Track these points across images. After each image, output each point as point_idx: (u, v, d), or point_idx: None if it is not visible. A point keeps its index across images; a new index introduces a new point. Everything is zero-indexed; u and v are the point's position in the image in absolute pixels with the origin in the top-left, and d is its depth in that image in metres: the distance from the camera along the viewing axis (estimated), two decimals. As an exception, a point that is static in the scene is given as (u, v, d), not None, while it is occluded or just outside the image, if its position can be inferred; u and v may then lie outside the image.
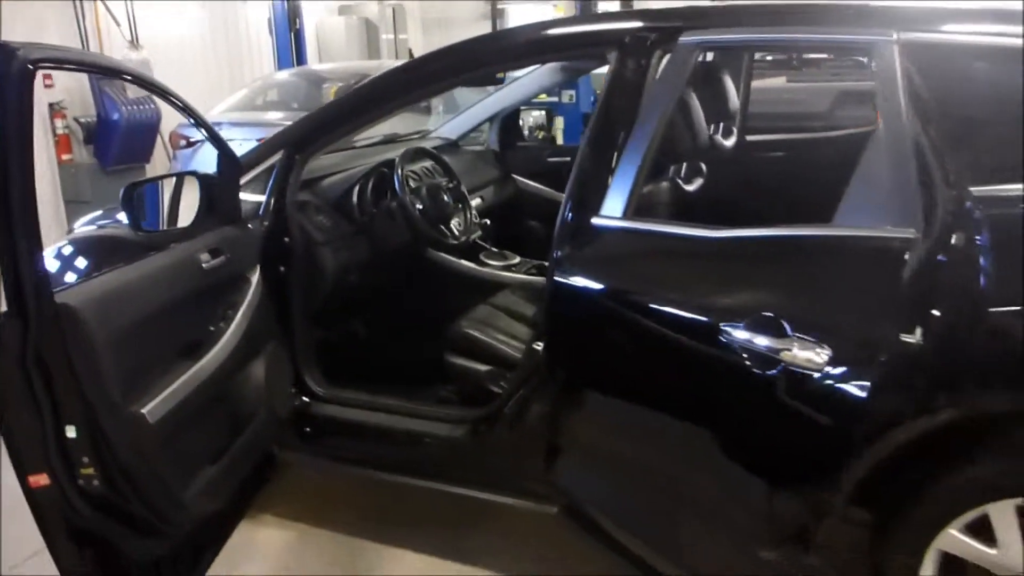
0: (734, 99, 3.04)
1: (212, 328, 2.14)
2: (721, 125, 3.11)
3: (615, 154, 2.08)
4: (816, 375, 1.67)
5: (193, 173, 2.34)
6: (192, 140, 6.56)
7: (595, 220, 2.08)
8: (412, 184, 2.96)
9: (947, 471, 1.88)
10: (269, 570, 2.69)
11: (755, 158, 3.21)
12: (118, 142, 7.54)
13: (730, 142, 3.14)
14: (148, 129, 7.76)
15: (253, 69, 9.64)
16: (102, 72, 2.07)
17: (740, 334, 1.72)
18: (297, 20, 9.02)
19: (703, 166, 2.60)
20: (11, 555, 2.58)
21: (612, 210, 2.05)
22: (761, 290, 1.79)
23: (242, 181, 2.56)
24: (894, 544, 1.97)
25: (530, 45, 2.40)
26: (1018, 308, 1.74)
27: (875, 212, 1.63)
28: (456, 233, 3.01)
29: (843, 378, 1.68)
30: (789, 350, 1.66)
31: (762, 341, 1.68)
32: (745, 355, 1.73)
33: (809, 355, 1.65)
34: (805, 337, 1.66)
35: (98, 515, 1.77)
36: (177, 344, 2.01)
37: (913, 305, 1.65)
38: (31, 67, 1.48)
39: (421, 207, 2.86)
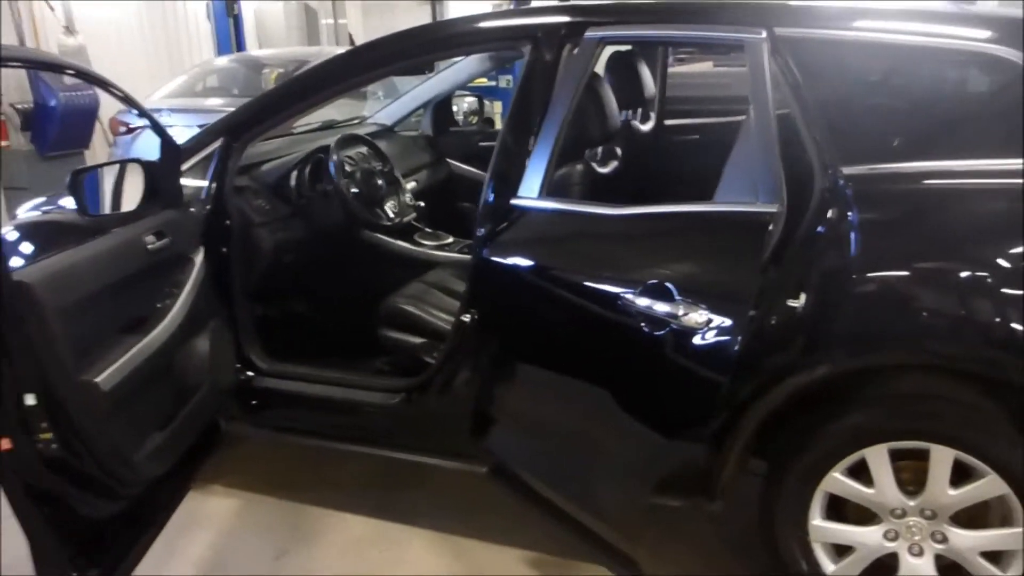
0: (650, 86, 3.25)
1: (159, 305, 2.29)
2: (639, 111, 3.33)
3: (531, 138, 2.27)
4: (698, 335, 1.90)
5: (136, 160, 2.47)
6: (132, 127, 6.57)
7: (514, 200, 2.27)
8: (347, 168, 3.12)
9: (828, 421, 2.13)
10: (218, 536, 2.84)
11: (670, 141, 3.44)
12: (56, 128, 7.49)
13: (647, 127, 3.36)
14: (87, 115, 7.71)
15: (192, 55, 9.60)
16: (47, 68, 2.17)
17: (636, 300, 1.94)
18: (235, 5, 9.00)
19: (617, 150, 2.81)
20: None
21: (529, 191, 2.25)
22: (652, 261, 2.01)
23: (183, 167, 2.70)
24: (786, 489, 2.21)
25: (455, 38, 2.59)
26: (883, 274, 2.00)
27: (745, 190, 1.86)
28: (390, 215, 3.17)
29: (720, 337, 1.90)
30: (675, 313, 1.88)
31: (654, 306, 1.90)
32: (640, 319, 1.95)
33: (692, 316, 1.88)
34: (688, 300, 1.89)
35: (56, 477, 1.91)
36: (126, 319, 2.16)
37: (781, 271, 1.89)
38: None
39: (355, 190, 3.02)
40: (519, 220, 2.26)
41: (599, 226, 2.15)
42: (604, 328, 2.05)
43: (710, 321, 1.85)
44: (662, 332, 1.92)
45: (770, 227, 1.81)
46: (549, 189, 2.24)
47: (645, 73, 3.15)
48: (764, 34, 1.98)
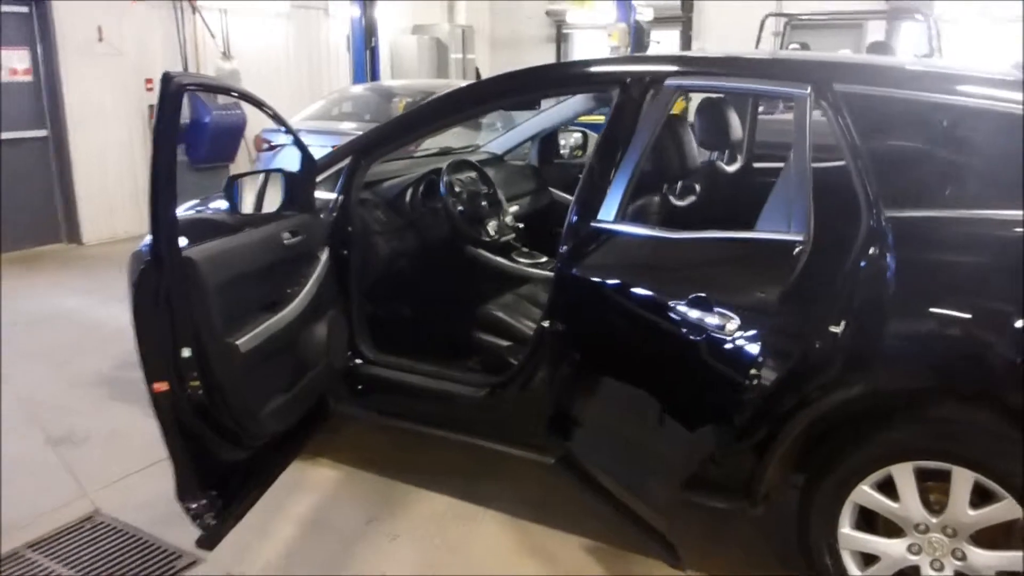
0: (738, 130, 3.53)
1: (289, 291, 2.74)
2: (726, 152, 3.61)
3: (612, 170, 2.61)
4: (731, 343, 2.16)
5: (279, 170, 2.96)
6: (274, 144, 7.26)
7: (593, 223, 2.61)
8: (456, 189, 3.53)
9: (860, 437, 2.35)
10: (319, 500, 3.26)
11: (753, 181, 3.69)
12: (207, 143, 8.33)
13: (733, 167, 3.63)
14: (234, 132, 8.54)
15: (331, 81, 10.39)
16: (229, 94, 2.69)
17: (684, 311, 2.24)
18: (373, 38, 9.73)
19: (696, 186, 3.10)
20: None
21: (607, 215, 2.58)
22: (698, 277, 2.29)
23: (317, 179, 3.17)
24: (820, 498, 2.43)
25: (558, 79, 2.96)
26: (913, 306, 2.23)
27: (780, 221, 2.13)
28: (491, 233, 3.56)
29: (747, 344, 2.16)
30: (717, 325, 2.17)
31: (699, 317, 2.19)
32: (687, 329, 2.24)
33: (727, 326, 2.15)
34: (725, 312, 2.17)
35: (198, 420, 2.36)
36: (263, 299, 2.61)
37: (822, 296, 2.15)
38: (182, 89, 2.09)
39: (461, 208, 3.42)
40: (596, 240, 2.59)
41: (659, 246, 2.45)
42: (656, 335, 2.34)
43: (739, 330, 2.12)
44: (701, 340, 2.20)
45: (795, 251, 2.07)
46: (625, 215, 2.56)
47: (733, 118, 3.43)
48: (809, 89, 2.26)
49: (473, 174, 3.64)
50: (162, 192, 2.11)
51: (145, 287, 2.18)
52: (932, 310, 2.21)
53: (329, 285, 2.96)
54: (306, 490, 3.32)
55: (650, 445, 2.53)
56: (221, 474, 2.50)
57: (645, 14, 11.48)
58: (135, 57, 8.25)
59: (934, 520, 2.27)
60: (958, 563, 2.27)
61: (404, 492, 3.30)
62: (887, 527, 2.37)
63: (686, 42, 11.97)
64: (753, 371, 2.11)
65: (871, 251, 2.26)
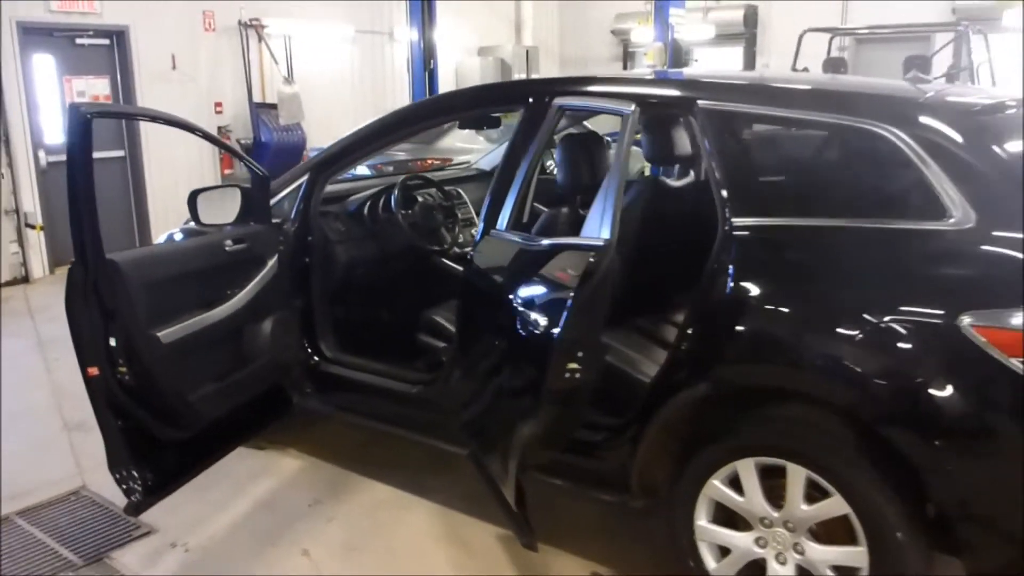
0: (684, 146, 3.63)
1: (228, 292, 3.07)
2: (675, 168, 3.75)
3: (510, 183, 2.83)
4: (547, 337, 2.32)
5: (236, 185, 3.31)
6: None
7: (493, 231, 2.83)
8: (420, 200, 3.81)
9: (709, 434, 2.49)
10: (277, 484, 3.58)
11: (696, 196, 3.81)
12: (268, 160, 8.91)
13: (680, 182, 3.75)
14: (295, 150, 9.11)
15: (395, 103, 10.90)
16: (136, 119, 3.07)
17: (526, 310, 2.43)
18: (432, 60, 10.16)
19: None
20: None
21: (502, 224, 2.80)
22: (541, 278, 2.48)
23: (281, 195, 3.52)
24: (679, 492, 2.57)
25: (473, 98, 3.22)
26: (748, 309, 2.37)
27: (597, 227, 2.30)
28: (447, 242, 3.82)
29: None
30: (536, 319, 2.35)
31: (525, 312, 2.39)
32: (519, 323, 2.43)
33: (540, 321, 2.34)
34: (542, 311, 2.36)
35: (130, 400, 2.71)
36: (198, 298, 2.95)
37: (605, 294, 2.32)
38: (88, 117, 2.46)
39: (413, 221, 3.70)
40: (486, 247, 2.81)
41: (515, 252, 2.64)
42: (504, 331, 2.53)
43: (553, 328, 2.30)
44: (529, 335, 2.39)
45: (591, 256, 2.25)
46: (517, 224, 2.77)
47: (680, 135, 3.55)
48: (633, 107, 2.44)
49: (432, 190, 3.91)
50: (83, 204, 2.47)
51: (74, 283, 2.54)
52: (761, 310, 2.34)
53: (276, 288, 3.28)
54: (268, 475, 3.65)
55: (501, 428, 2.66)
56: (155, 450, 2.84)
57: (706, 32, 11.53)
58: (206, 82, 8.95)
59: (776, 515, 2.38)
60: (798, 557, 2.37)
61: (353, 481, 3.59)
62: (740, 521, 2.49)
63: (750, 59, 11.91)
64: (573, 365, 2.29)
65: (721, 255, 2.41)
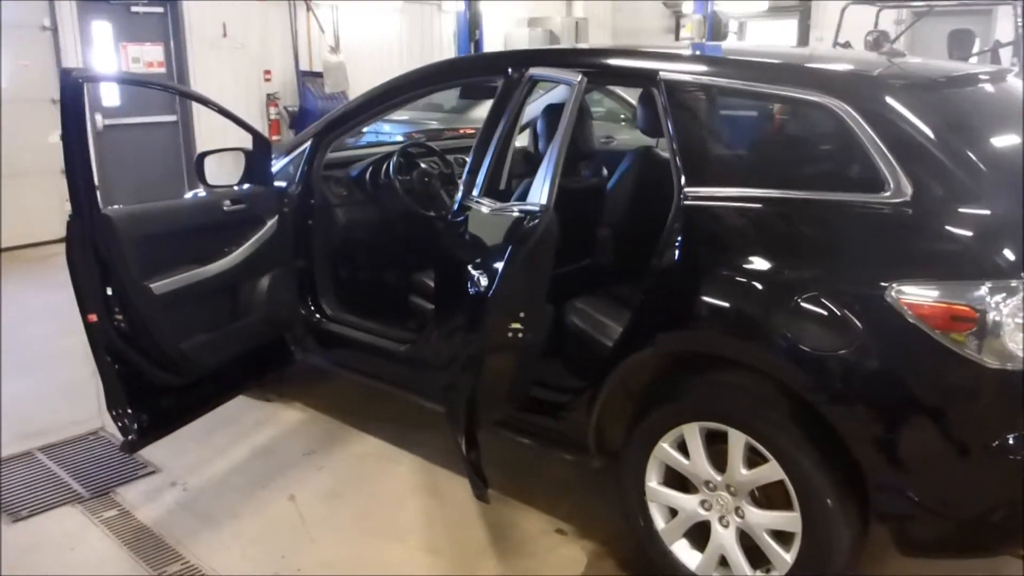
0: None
1: (225, 249, 3.25)
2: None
3: (484, 153, 2.92)
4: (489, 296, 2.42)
5: (241, 149, 3.48)
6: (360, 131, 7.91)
7: (466, 200, 2.94)
8: (422, 167, 3.94)
9: (658, 398, 2.57)
10: (277, 434, 3.78)
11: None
12: (313, 128, 9.14)
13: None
14: (338, 119, 9.30)
15: (441, 72, 11.00)
16: (133, 84, 3.22)
17: (471, 271, 2.54)
18: (477, 31, 10.23)
19: (604, 169, 3.36)
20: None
21: (476, 191, 2.90)
22: (490, 239, 2.57)
23: (287, 159, 3.68)
24: (630, 454, 2.66)
25: (461, 69, 3.31)
26: (693, 275, 2.43)
27: (535, 195, 2.39)
28: (447, 208, 3.92)
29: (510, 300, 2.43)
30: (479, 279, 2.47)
31: (474, 273, 2.53)
32: (471, 284, 2.55)
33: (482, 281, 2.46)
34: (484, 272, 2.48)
35: (127, 346, 2.91)
36: (194, 254, 3.13)
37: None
38: (80, 82, 2.63)
39: (410, 187, 3.82)
40: (459, 213, 2.92)
41: (478, 217, 2.75)
42: (461, 290, 2.62)
43: (490, 286, 2.40)
44: (477, 295, 2.49)
45: (526, 222, 2.36)
46: (490, 191, 2.87)
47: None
48: (579, 77, 2.50)
49: (434, 157, 4.02)
50: (77, 163, 2.65)
51: (72, 236, 2.74)
52: (705, 280, 2.41)
53: (274, 247, 3.45)
54: (270, 425, 3.86)
55: (460, 385, 2.75)
56: (151, 394, 3.04)
57: (758, 5, 11.33)
58: (255, 50, 9.19)
59: (719, 478, 2.46)
60: (739, 520, 2.45)
61: (348, 433, 3.77)
62: (690, 484, 2.57)
63: (803, 33, 11.64)
64: (516, 325, 2.38)
65: (675, 224, 2.48)
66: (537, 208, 2.31)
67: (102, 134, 8.05)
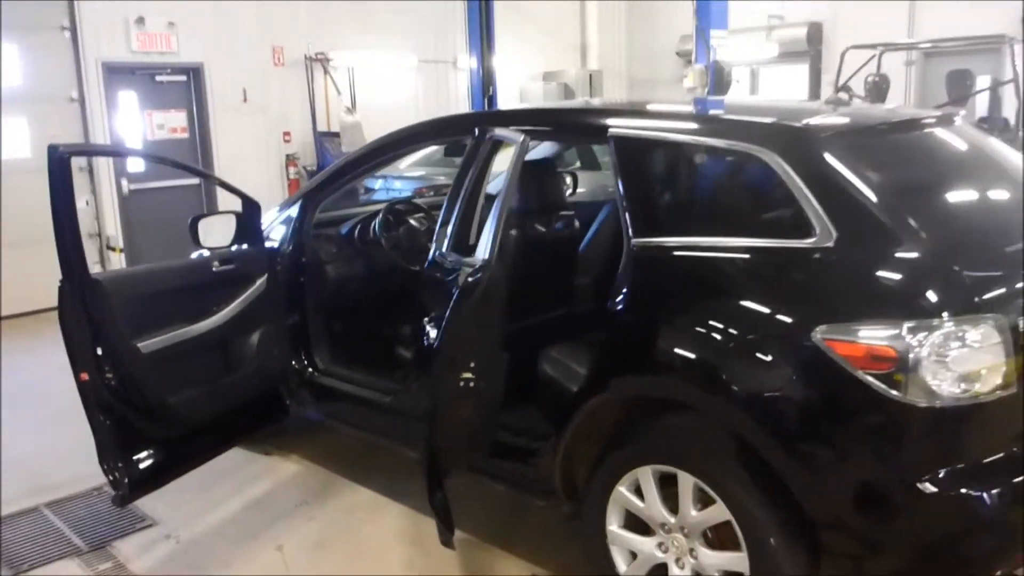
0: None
1: (214, 308, 3.41)
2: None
3: (451, 211, 3.06)
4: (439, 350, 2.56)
5: (233, 212, 3.66)
6: (369, 188, 8.15)
7: (437, 254, 3.07)
8: (411, 223, 4.09)
9: (614, 442, 2.65)
10: (273, 485, 3.90)
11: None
12: (331, 186, 9.41)
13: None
14: (355, 176, 9.58)
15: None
16: (116, 155, 3.39)
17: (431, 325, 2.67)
18: (491, 87, 10.50)
19: (575, 221, 3.49)
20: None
21: (442, 248, 3.02)
22: (444, 293, 2.68)
23: (277, 219, 3.87)
24: (591, 497, 2.74)
25: (435, 129, 3.47)
26: (638, 322, 2.52)
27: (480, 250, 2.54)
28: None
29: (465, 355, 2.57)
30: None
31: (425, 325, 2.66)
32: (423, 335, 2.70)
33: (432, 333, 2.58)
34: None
35: (118, 402, 3.06)
36: (183, 312, 3.30)
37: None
38: (66, 156, 2.83)
39: (396, 243, 3.97)
40: (429, 269, 3.05)
41: (438, 271, 2.88)
42: (429, 341, 2.75)
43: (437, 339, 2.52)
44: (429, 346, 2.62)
45: (468, 277, 2.48)
46: (454, 246, 2.99)
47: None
48: (522, 138, 2.63)
49: (421, 214, 4.18)
50: (67, 232, 2.83)
51: (63, 299, 2.92)
52: (648, 326, 2.50)
53: (264, 304, 3.60)
54: (266, 477, 3.98)
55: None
56: (142, 448, 3.18)
57: (769, 50, 11.48)
58: (275, 113, 9.55)
59: (673, 520, 2.51)
60: (693, 561, 2.50)
61: (340, 485, 3.87)
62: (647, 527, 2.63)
63: (815, 78, 11.75)
64: (467, 375, 2.49)
65: (632, 276, 2.58)
66: (479, 263, 2.44)
67: (128, 198, 8.40)
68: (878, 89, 7.64)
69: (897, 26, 10.71)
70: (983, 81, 7.99)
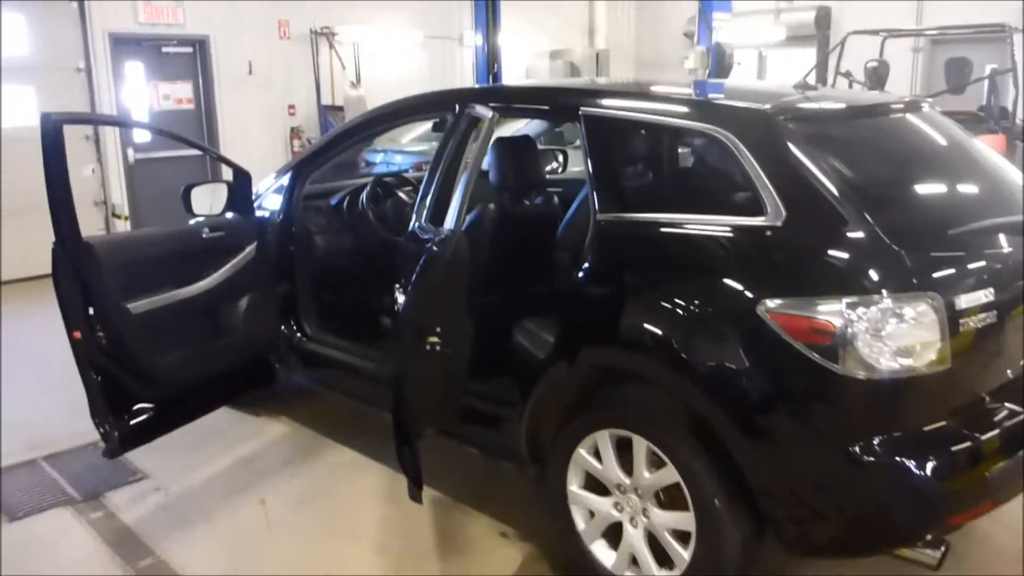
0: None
1: (203, 273, 3.55)
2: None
3: (430, 184, 3.17)
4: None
5: (225, 181, 3.79)
6: (369, 163, 8.27)
7: (416, 226, 3.18)
8: (398, 196, 4.21)
9: (575, 408, 2.78)
10: (261, 446, 4.06)
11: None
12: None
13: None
14: (355, 151, 9.68)
15: (462, 104, 11.34)
16: (110, 124, 3.46)
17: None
18: (496, 64, 10.55)
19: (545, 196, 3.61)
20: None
21: (421, 220, 3.14)
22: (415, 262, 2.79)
23: (271, 187, 3.99)
24: (554, 459, 2.87)
25: (417, 105, 3.57)
26: (597, 294, 2.64)
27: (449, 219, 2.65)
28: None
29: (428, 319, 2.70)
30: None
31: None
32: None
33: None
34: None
35: (108, 360, 3.20)
36: (172, 277, 3.44)
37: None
38: (59, 124, 2.94)
39: (382, 215, 4.09)
40: (412, 236, 3.16)
41: (414, 242, 2.98)
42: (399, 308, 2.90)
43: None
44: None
45: (434, 245, 2.60)
46: (431, 218, 3.10)
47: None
48: (491, 114, 2.73)
49: (408, 187, 4.29)
50: (60, 198, 2.95)
51: (57, 262, 3.05)
52: (606, 298, 2.62)
53: (253, 271, 3.73)
54: (256, 437, 4.14)
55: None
56: (132, 405, 3.33)
57: (776, 34, 11.48)
58: (280, 86, 9.65)
59: (628, 481, 2.65)
60: (646, 520, 2.63)
61: (325, 445, 4.03)
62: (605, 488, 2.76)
63: (822, 62, 11.73)
64: (433, 339, 2.62)
65: (591, 249, 2.70)
66: (445, 234, 2.56)
67: (134, 168, 8.55)
68: (877, 75, 7.67)
69: (906, 12, 10.71)
70: (984, 71, 8.01)
